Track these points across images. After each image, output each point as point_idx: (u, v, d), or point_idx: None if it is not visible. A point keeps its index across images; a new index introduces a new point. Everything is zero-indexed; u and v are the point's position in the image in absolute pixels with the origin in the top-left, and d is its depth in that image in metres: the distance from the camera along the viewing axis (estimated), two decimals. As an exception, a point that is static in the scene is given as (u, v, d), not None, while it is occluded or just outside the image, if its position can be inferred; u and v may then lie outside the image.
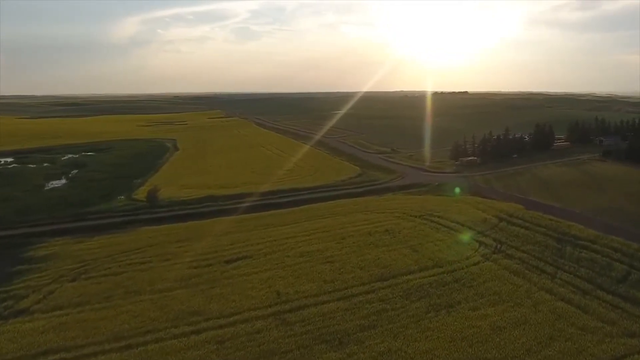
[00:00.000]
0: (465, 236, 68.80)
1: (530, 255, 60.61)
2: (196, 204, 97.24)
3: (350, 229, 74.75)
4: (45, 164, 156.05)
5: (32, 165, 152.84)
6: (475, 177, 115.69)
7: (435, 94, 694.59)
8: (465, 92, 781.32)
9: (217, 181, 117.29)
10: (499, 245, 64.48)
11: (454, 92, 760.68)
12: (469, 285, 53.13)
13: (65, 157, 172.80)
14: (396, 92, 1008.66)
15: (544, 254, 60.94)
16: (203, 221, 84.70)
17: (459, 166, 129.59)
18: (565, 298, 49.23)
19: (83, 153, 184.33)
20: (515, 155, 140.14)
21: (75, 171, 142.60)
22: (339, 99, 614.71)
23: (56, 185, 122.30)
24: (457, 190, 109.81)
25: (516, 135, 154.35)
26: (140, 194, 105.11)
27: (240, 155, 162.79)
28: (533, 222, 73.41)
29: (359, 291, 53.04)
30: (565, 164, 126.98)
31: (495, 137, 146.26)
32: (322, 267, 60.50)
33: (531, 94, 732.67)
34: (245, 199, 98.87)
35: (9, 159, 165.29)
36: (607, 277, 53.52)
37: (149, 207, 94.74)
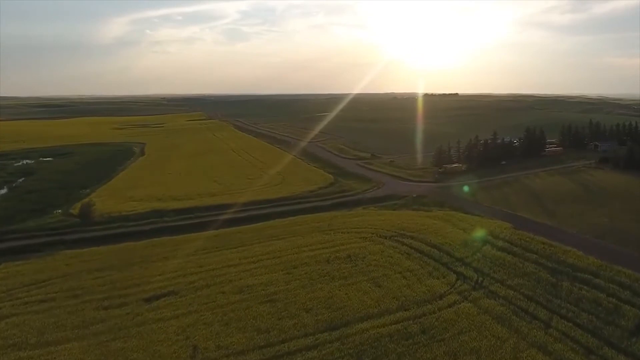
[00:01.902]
0: (441, 265, 56.96)
1: (518, 293, 48.82)
2: (139, 220, 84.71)
3: (305, 255, 62.65)
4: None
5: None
6: (458, 186, 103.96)
7: (425, 95, 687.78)
8: (456, 94, 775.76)
9: (171, 192, 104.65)
10: (480, 279, 52.65)
11: (444, 94, 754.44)
12: (440, 338, 41.18)
13: (19, 163, 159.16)
14: (386, 94, 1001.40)
15: (535, 291, 49.18)
16: (139, 242, 72.15)
17: (441, 174, 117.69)
18: (564, 360, 37.46)
19: (41, 158, 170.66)
20: (503, 162, 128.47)
21: (21, 179, 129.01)
22: (328, 101, 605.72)
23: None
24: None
25: (505, 140, 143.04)
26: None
27: (207, 161, 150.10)
28: (522, 246, 61.79)
29: (298, 346, 41.00)
30: (559, 172, 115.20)
31: (482, 141, 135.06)
32: (260, 308, 48.32)
33: (521, 95, 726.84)
34: (195, 214, 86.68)
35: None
36: (616, 327, 41.78)
37: (82, 224, 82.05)
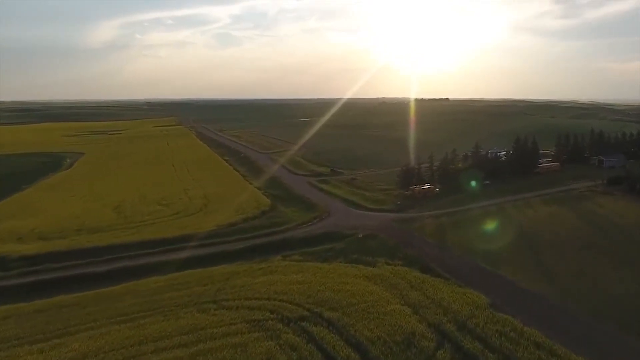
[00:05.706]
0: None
1: None
2: (-39, 275, 58.96)
3: (140, 363, 37.13)
4: None
5: None
6: (423, 219, 78.58)
7: (416, 100, 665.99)
8: (447, 99, 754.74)
9: (47, 226, 79.59)
10: None
11: (434, 99, 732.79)
12: None
13: None
14: (376, 99, 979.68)
15: None
16: None
17: (406, 199, 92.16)
18: None
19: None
20: (487, 182, 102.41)
21: None
22: (315, 105, 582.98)
23: None
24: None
25: (490, 153, 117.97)
26: None
27: (130, 179, 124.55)
28: (504, 352, 36.61)
29: None
30: (556, 198, 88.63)
31: (463, 155, 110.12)
32: None
33: (513, 101, 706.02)
34: (46, 266, 61.30)
35: None
36: None
37: None
